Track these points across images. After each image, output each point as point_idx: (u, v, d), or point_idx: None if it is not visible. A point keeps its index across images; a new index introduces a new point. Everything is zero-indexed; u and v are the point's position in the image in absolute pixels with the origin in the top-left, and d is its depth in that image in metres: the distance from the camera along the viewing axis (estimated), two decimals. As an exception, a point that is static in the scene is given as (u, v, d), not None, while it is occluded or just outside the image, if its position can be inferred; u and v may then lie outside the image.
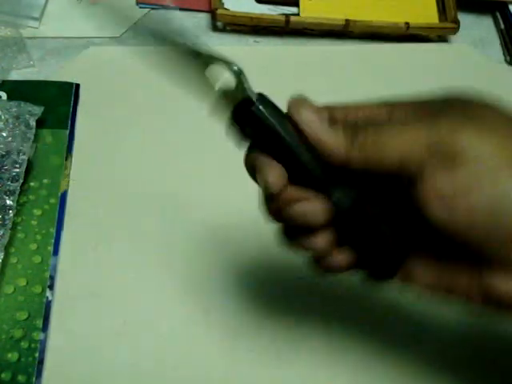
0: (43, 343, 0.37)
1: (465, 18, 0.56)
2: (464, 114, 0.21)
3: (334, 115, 0.25)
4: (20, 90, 0.46)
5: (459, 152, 0.20)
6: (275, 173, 0.24)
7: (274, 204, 0.25)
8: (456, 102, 0.23)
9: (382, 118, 0.24)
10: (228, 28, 0.54)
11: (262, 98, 0.25)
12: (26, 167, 0.42)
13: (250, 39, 0.54)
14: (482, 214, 0.20)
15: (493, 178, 0.19)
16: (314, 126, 0.23)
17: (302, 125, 0.24)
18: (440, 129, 0.20)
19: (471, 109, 0.22)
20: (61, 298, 0.39)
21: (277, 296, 0.40)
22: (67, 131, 0.46)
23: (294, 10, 0.54)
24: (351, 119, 0.25)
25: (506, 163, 0.20)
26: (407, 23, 0.53)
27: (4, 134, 0.42)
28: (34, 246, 0.40)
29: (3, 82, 0.47)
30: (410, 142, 0.21)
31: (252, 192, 0.28)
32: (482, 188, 0.20)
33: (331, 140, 0.23)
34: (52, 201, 0.42)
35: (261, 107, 0.25)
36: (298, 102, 0.24)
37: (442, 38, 0.55)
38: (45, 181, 0.43)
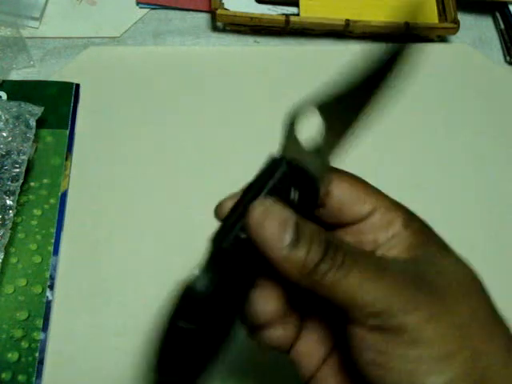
0: (43, 343, 0.37)
1: (465, 18, 0.56)
2: (433, 292, 0.21)
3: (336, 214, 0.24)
4: (20, 90, 0.46)
5: (402, 330, 0.21)
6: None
7: None
8: (447, 271, 0.23)
9: (390, 228, 0.24)
10: (228, 28, 0.53)
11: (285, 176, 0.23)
12: (26, 167, 0.42)
13: (250, 39, 0.54)
14: (397, 379, 0.21)
15: (418, 358, 0.20)
16: (272, 245, 0.21)
17: (259, 243, 0.22)
18: (396, 304, 0.21)
19: (453, 288, 0.22)
20: (61, 298, 0.39)
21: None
22: (67, 131, 0.46)
23: (293, 10, 0.54)
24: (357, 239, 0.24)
25: (435, 355, 0.20)
26: (407, 23, 0.52)
27: (4, 134, 0.42)
28: (34, 246, 0.40)
29: (3, 81, 0.47)
30: (365, 303, 0.21)
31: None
32: (405, 363, 0.20)
33: (289, 263, 0.21)
34: (52, 201, 0.42)
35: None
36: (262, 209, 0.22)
37: (442, 38, 0.55)
38: (45, 181, 0.43)
